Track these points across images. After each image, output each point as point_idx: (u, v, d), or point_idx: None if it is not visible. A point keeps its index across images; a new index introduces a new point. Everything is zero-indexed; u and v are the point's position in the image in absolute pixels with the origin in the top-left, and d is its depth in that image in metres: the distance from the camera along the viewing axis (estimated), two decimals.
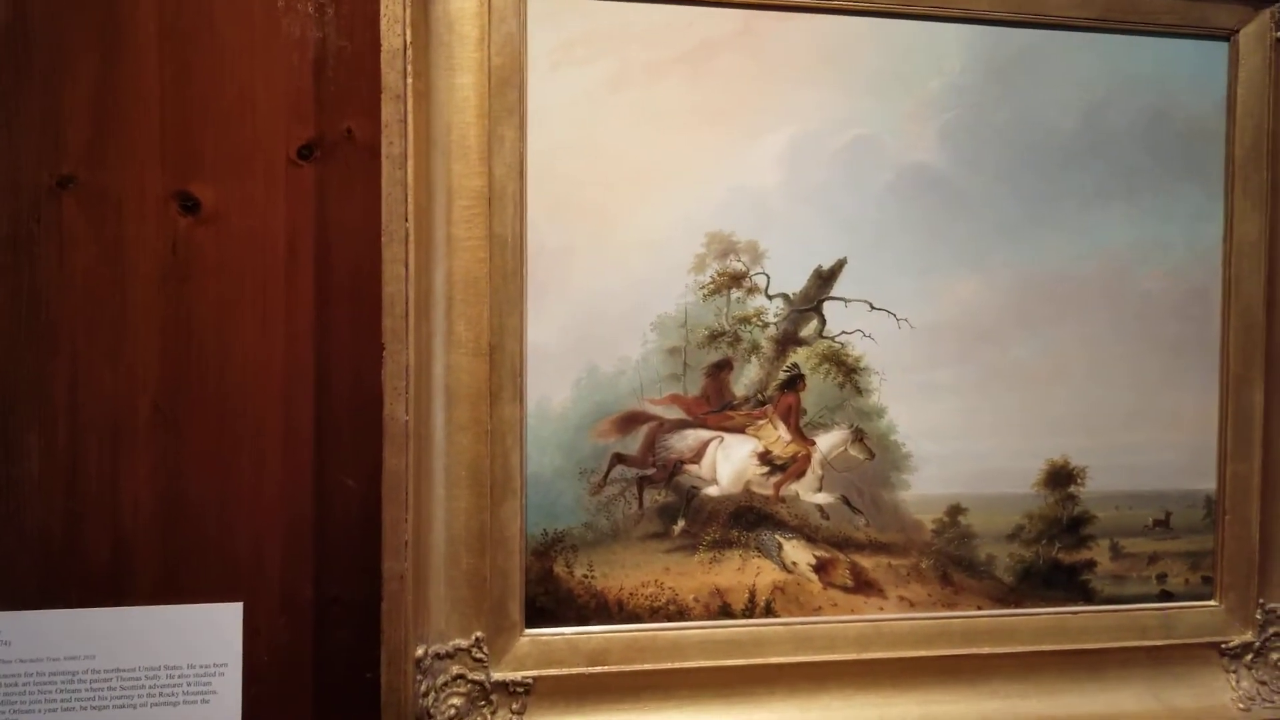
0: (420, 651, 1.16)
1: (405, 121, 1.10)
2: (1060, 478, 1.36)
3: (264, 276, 1.19)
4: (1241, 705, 1.38)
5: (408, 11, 1.10)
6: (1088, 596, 1.37)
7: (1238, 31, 1.36)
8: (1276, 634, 1.40)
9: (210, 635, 1.19)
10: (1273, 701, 1.39)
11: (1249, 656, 1.40)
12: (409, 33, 1.10)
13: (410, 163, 1.11)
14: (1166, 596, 1.39)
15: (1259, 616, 1.40)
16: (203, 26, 1.18)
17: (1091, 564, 1.37)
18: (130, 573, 1.18)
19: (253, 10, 1.19)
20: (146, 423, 1.18)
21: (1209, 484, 1.40)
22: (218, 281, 1.19)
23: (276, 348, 1.20)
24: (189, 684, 1.18)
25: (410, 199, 1.11)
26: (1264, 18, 1.36)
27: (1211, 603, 1.40)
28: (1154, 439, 1.38)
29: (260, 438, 1.20)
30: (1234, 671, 1.39)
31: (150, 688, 1.16)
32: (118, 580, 1.18)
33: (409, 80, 1.10)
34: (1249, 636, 1.40)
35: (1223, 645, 1.39)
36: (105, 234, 1.16)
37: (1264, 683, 1.39)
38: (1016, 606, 1.35)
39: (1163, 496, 1.39)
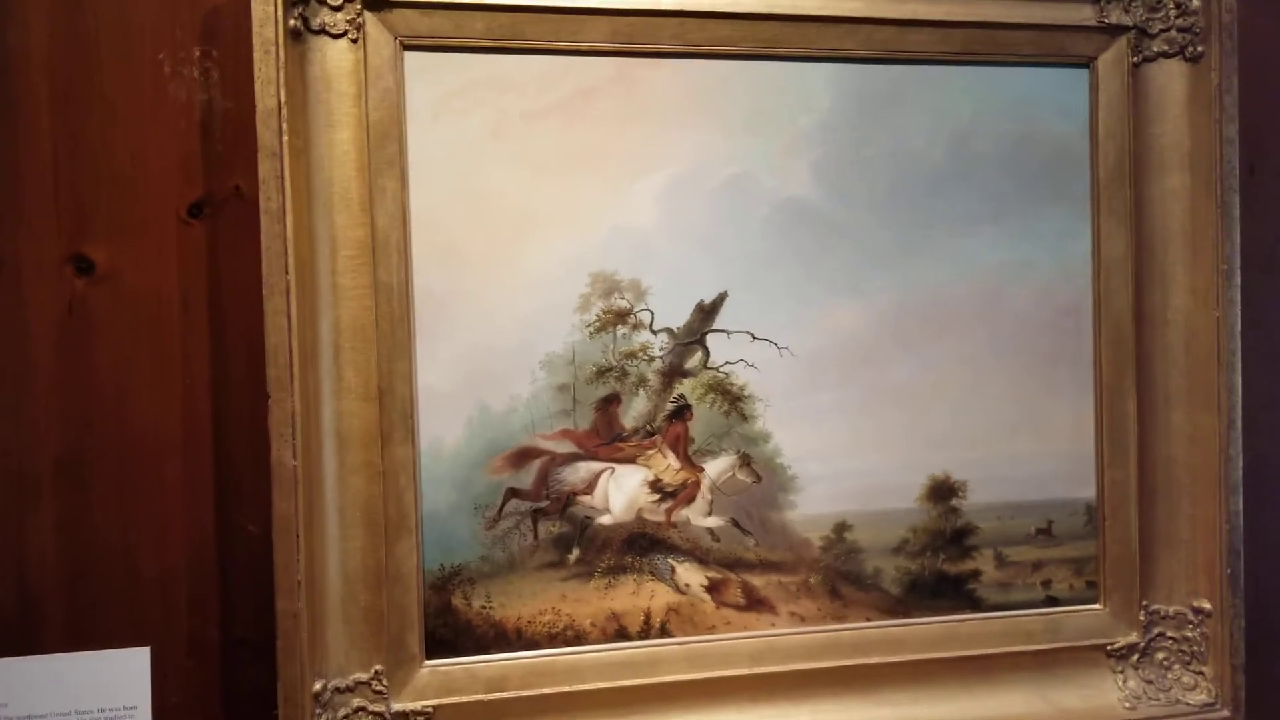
0: (319, 686, 1.20)
1: (282, 178, 1.15)
2: (942, 491, 1.42)
3: (159, 332, 1.24)
4: (1128, 704, 1.44)
5: (281, 73, 1.16)
6: (974, 605, 1.43)
7: (1096, 59, 1.43)
8: (1161, 634, 1.46)
9: (120, 679, 1.23)
10: (1159, 699, 1.44)
11: (1135, 657, 1.45)
12: (282, 93, 1.15)
13: (289, 217, 1.16)
14: (1052, 602, 1.45)
15: (1143, 618, 1.46)
16: (92, 94, 1.23)
17: (977, 573, 1.43)
18: (40, 623, 1.23)
19: (140, 77, 1.24)
20: (50, 478, 1.22)
21: (1088, 492, 1.46)
22: (114, 339, 1.23)
23: (174, 401, 1.25)
24: None
25: (291, 252, 1.16)
26: (1121, 44, 1.43)
27: (1096, 606, 1.46)
28: (1033, 450, 1.44)
29: (162, 488, 1.25)
30: (1121, 672, 1.45)
31: None
32: (28, 630, 1.23)
33: (284, 138, 1.15)
34: (1134, 637, 1.45)
35: (1108, 647, 1.45)
36: (3, 298, 1.21)
37: (1150, 681, 1.45)
38: (905, 617, 1.40)
39: (1044, 505, 1.45)
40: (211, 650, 1.27)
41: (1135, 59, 1.43)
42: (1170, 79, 1.43)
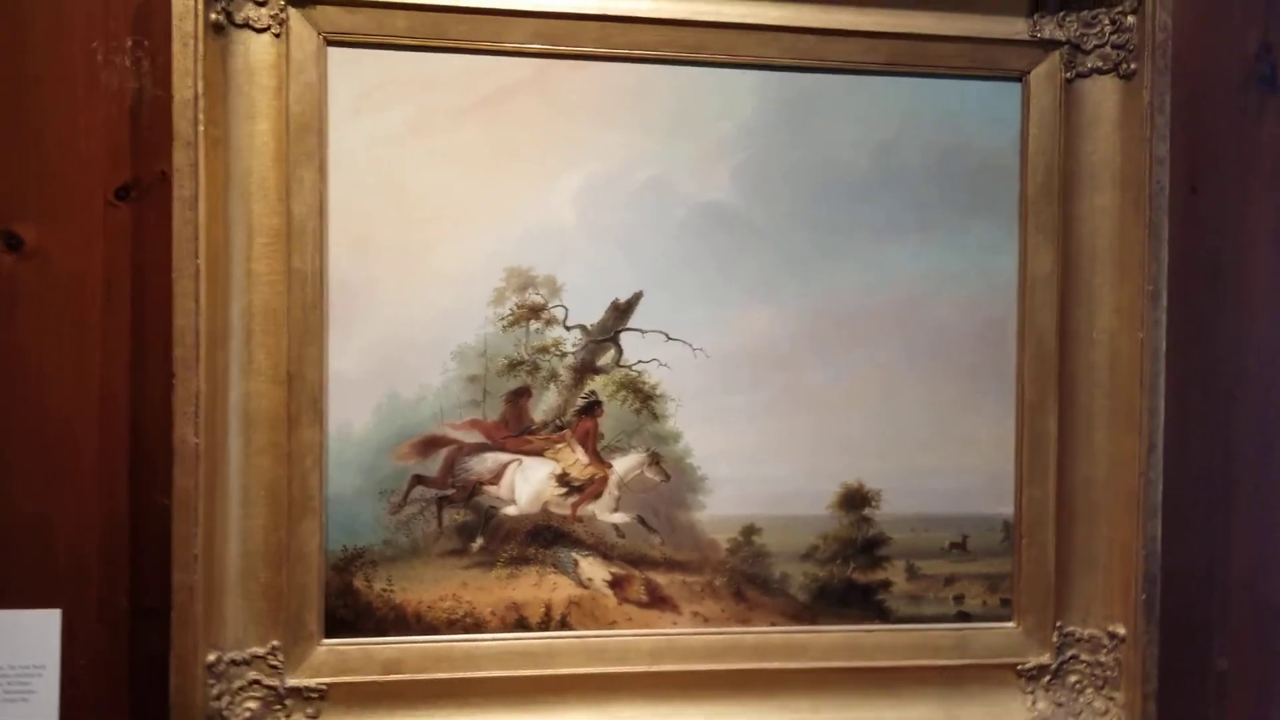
0: (213, 658, 1.24)
1: (196, 166, 1.20)
2: (855, 500, 1.42)
3: (82, 309, 1.29)
4: None
5: (199, 65, 1.20)
6: (883, 615, 1.43)
7: (1029, 73, 1.42)
8: (1074, 656, 1.44)
9: (30, 639, 1.28)
10: None
11: (1046, 678, 1.44)
12: (200, 84, 1.20)
13: (202, 204, 1.20)
14: (964, 617, 1.44)
15: (1056, 639, 1.44)
16: (27, 78, 1.28)
17: (887, 584, 1.43)
18: None
19: (74, 63, 1.29)
20: None
21: (1006, 509, 1.45)
22: (40, 314, 1.29)
23: (94, 375, 1.30)
24: (9, 683, 1.27)
25: (202, 237, 1.20)
26: (1054, 59, 1.42)
27: (1009, 624, 1.45)
28: (951, 464, 1.44)
29: (78, 460, 1.30)
30: (1031, 692, 1.44)
31: None
32: None
33: (200, 128, 1.20)
34: (1046, 658, 1.44)
35: (1019, 666, 1.44)
36: None
37: (1060, 704, 1.44)
38: (811, 624, 1.40)
39: (960, 520, 1.44)
40: (120, 617, 1.31)
41: (1068, 74, 1.42)
42: (1103, 95, 1.42)
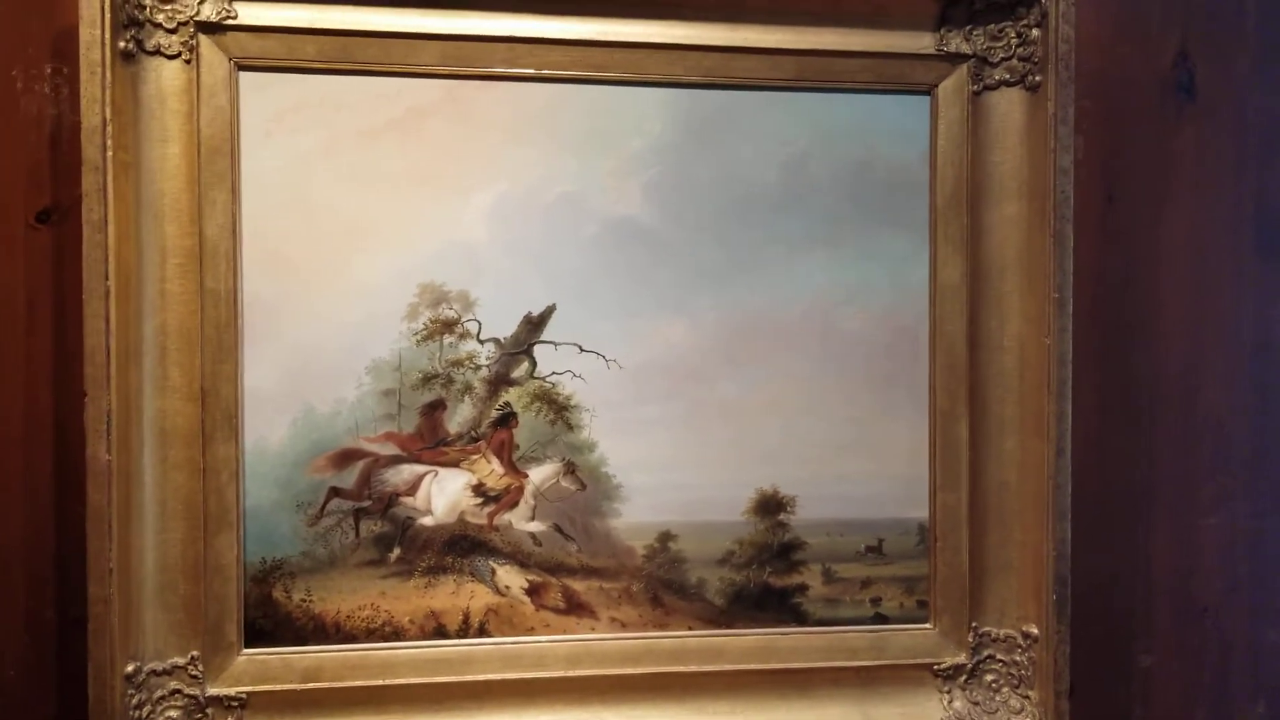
0: (131, 668, 1.27)
1: (105, 190, 1.23)
2: (770, 506, 1.45)
3: (6, 328, 1.33)
4: None
5: (107, 92, 1.23)
6: (800, 619, 1.45)
7: (936, 86, 1.44)
8: (991, 656, 1.47)
9: None
10: None
11: (963, 678, 1.47)
12: (108, 111, 1.23)
13: (112, 227, 1.23)
14: (881, 619, 1.47)
15: (972, 640, 1.47)
16: None
17: (804, 587, 1.46)
18: None
19: None
20: None
21: (921, 513, 1.47)
22: None
23: (18, 392, 1.33)
24: None
25: (112, 259, 1.23)
26: (961, 73, 1.44)
27: (926, 626, 1.47)
28: (865, 470, 1.46)
29: (5, 473, 1.33)
30: (948, 692, 1.47)
31: None
32: None
33: (109, 153, 1.23)
34: (962, 659, 1.47)
35: (935, 666, 1.46)
36: None
37: (976, 703, 1.46)
38: (727, 628, 1.43)
39: (875, 524, 1.47)
40: (48, 629, 1.35)
41: (975, 87, 1.44)
42: (1011, 107, 1.44)
